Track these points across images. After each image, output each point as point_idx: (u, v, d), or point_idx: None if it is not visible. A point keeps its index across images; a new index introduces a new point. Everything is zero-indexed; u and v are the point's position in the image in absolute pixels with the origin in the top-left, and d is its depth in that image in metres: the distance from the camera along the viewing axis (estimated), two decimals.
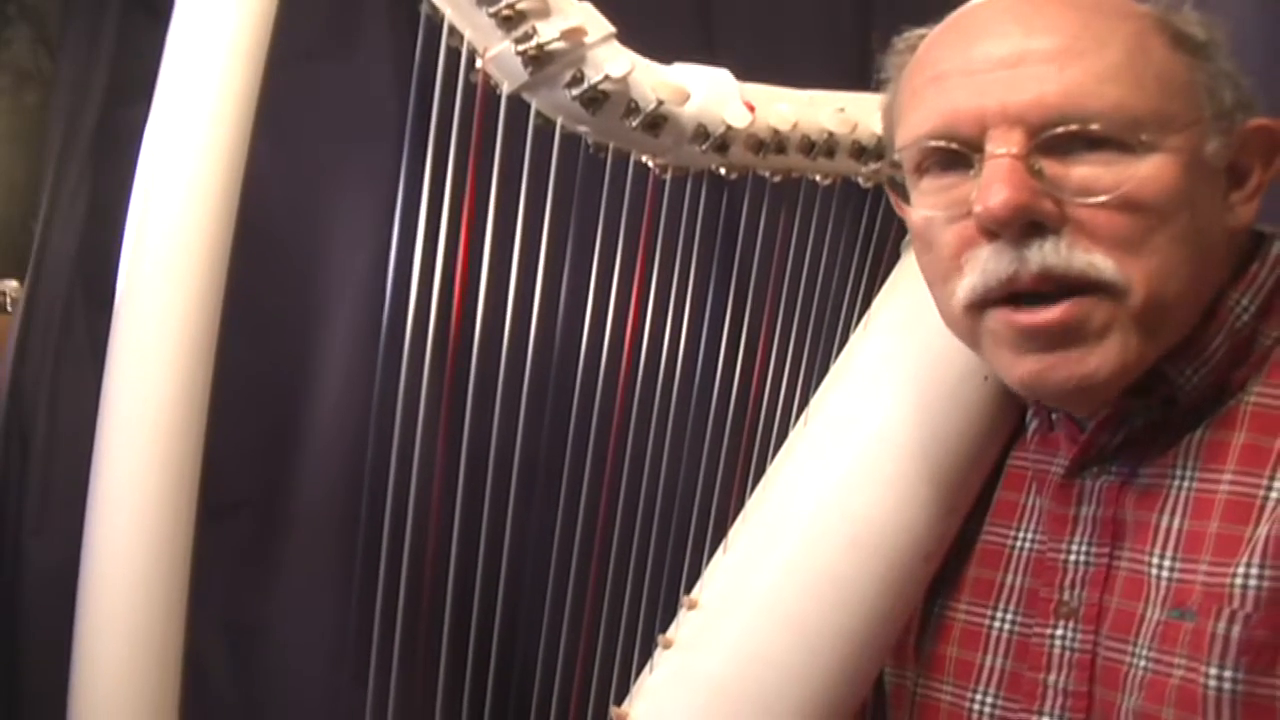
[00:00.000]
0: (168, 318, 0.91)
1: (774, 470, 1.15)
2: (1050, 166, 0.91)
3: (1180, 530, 0.95)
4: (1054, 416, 1.05)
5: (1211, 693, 0.90)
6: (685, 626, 1.10)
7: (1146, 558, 0.97)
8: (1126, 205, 0.91)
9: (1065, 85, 0.91)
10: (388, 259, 1.09)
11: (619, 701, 1.10)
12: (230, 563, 1.70)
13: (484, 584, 1.08)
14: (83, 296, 1.80)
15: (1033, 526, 1.06)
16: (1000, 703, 1.04)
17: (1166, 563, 0.95)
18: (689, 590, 1.12)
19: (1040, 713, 1.01)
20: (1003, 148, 0.91)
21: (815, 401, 1.15)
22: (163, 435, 0.91)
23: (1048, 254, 0.92)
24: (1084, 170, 0.91)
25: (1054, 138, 0.91)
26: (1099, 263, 0.92)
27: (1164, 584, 0.95)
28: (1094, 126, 0.91)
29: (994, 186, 0.91)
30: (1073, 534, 1.02)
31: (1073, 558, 1.01)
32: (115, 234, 1.73)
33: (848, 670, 1.07)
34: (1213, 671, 0.90)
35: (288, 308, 1.77)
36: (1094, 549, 1.00)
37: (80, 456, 1.73)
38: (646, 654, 1.10)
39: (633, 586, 1.11)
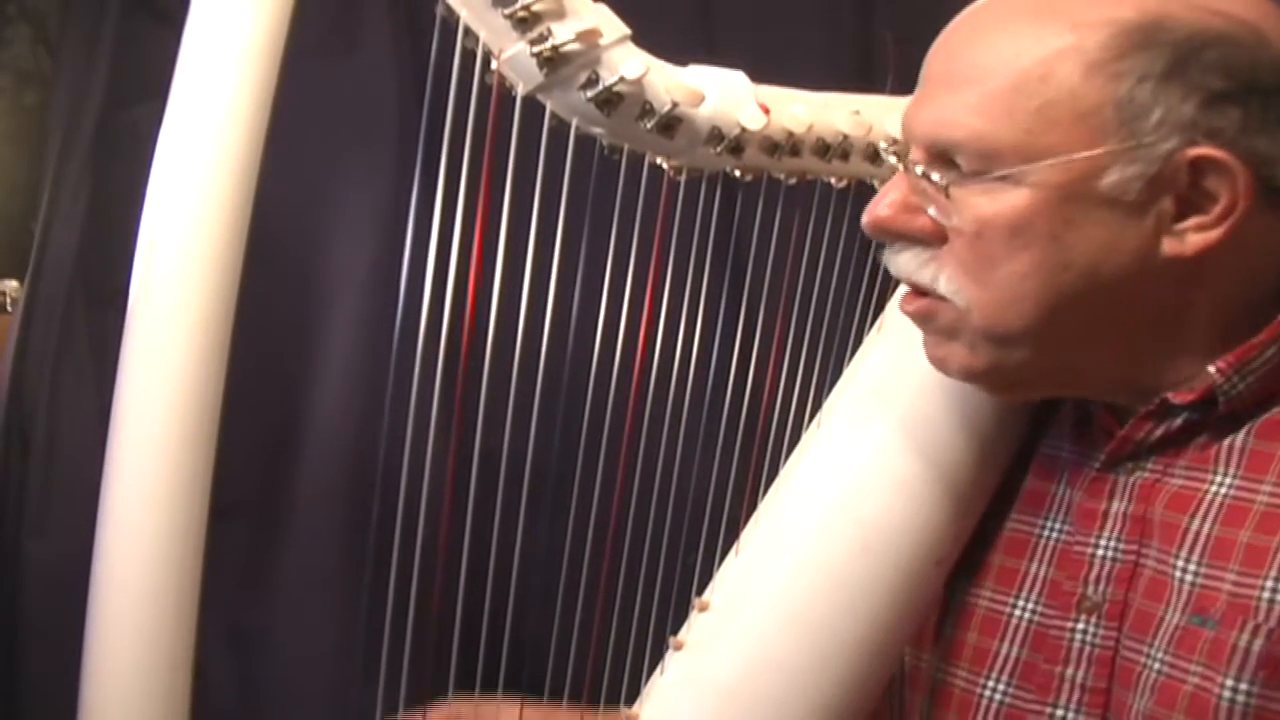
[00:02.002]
0: (181, 319, 0.90)
1: (786, 473, 1.14)
2: (951, 186, 0.95)
3: (1210, 535, 0.95)
4: (1092, 409, 1.04)
5: (1225, 704, 0.90)
6: (696, 628, 1.09)
7: (1172, 559, 0.96)
8: (973, 236, 0.95)
9: (937, 114, 0.96)
10: (393, 260, 1.08)
11: (630, 703, 1.09)
12: (230, 564, 1.70)
13: (494, 584, 1.08)
14: (83, 296, 1.80)
15: (1061, 517, 1.06)
16: (1012, 691, 1.04)
17: (1191, 566, 0.95)
18: (700, 592, 1.12)
19: (1054, 705, 1.00)
20: (915, 164, 0.97)
21: (828, 404, 1.15)
22: (175, 437, 0.91)
23: (903, 263, 1.00)
24: (964, 196, 0.95)
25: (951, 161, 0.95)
26: (942, 282, 0.97)
27: (1186, 588, 0.95)
28: (956, 157, 0.95)
29: (875, 200, 1.00)
30: (1101, 528, 1.01)
31: (1100, 552, 1.01)
32: (115, 234, 1.75)
33: (859, 674, 1.06)
34: (1228, 683, 0.90)
35: (290, 308, 1.77)
36: (1122, 545, 1.00)
37: (80, 456, 1.76)
38: (657, 656, 1.10)
39: (644, 588, 1.11)
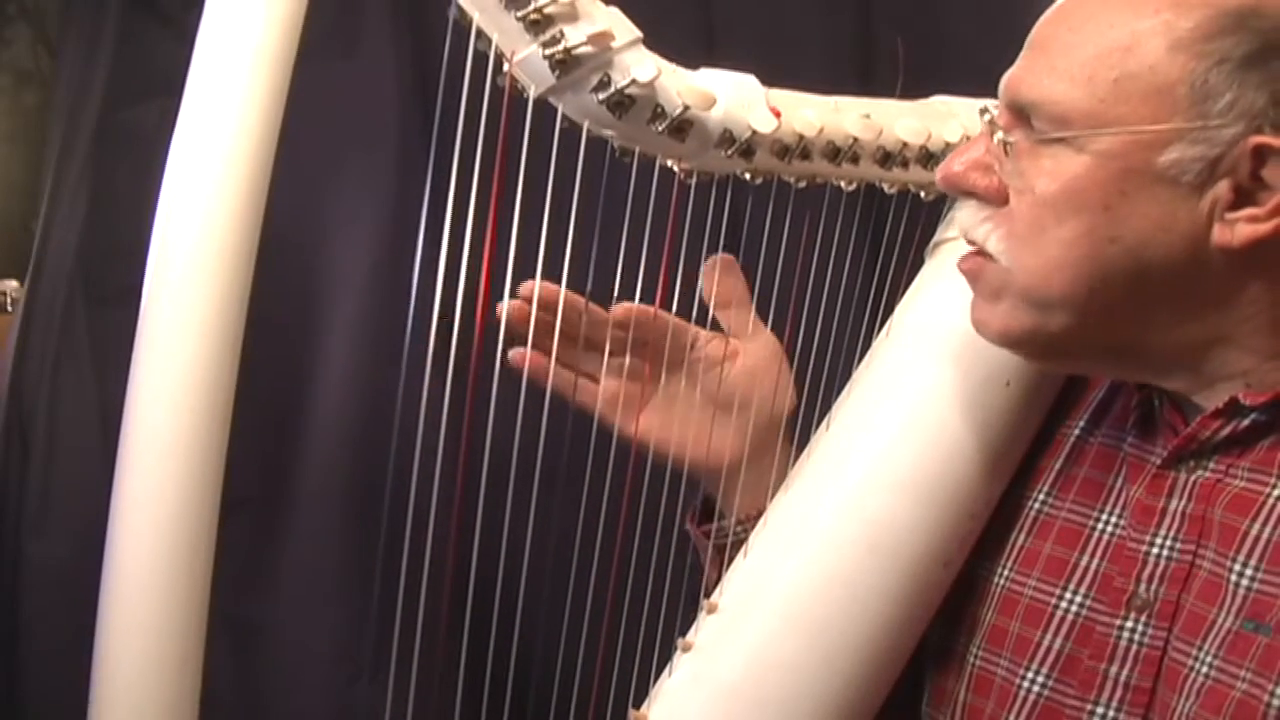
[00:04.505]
0: (194, 317, 0.90)
1: (794, 474, 1.14)
2: (1024, 146, 0.96)
3: (1270, 540, 0.94)
4: (1157, 403, 1.04)
5: (1274, 712, 0.89)
6: (704, 630, 1.09)
7: (1228, 562, 0.95)
8: (1031, 198, 0.96)
9: (1024, 74, 0.97)
10: (400, 259, 1.08)
11: (638, 704, 1.09)
12: (239, 559, 1.70)
13: (503, 585, 1.08)
14: (83, 296, 1.80)
15: (1117, 511, 1.05)
16: (1051, 684, 1.03)
17: (1249, 571, 0.94)
18: (709, 594, 1.12)
19: (1096, 703, 1.00)
20: (996, 122, 0.99)
21: (837, 406, 1.15)
22: (186, 433, 0.91)
23: (964, 216, 1.02)
24: (1031, 157, 0.96)
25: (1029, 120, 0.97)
26: (993, 240, 0.99)
27: (1242, 592, 0.94)
28: (1033, 118, 0.96)
29: (953, 154, 1.03)
30: (1158, 526, 1.01)
31: (1155, 550, 1.00)
32: (116, 234, 1.75)
33: (865, 675, 1.07)
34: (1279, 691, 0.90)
35: (297, 307, 1.77)
36: (1178, 545, 0.99)
37: (80, 456, 1.75)
38: (666, 657, 1.10)
39: (653, 589, 1.11)
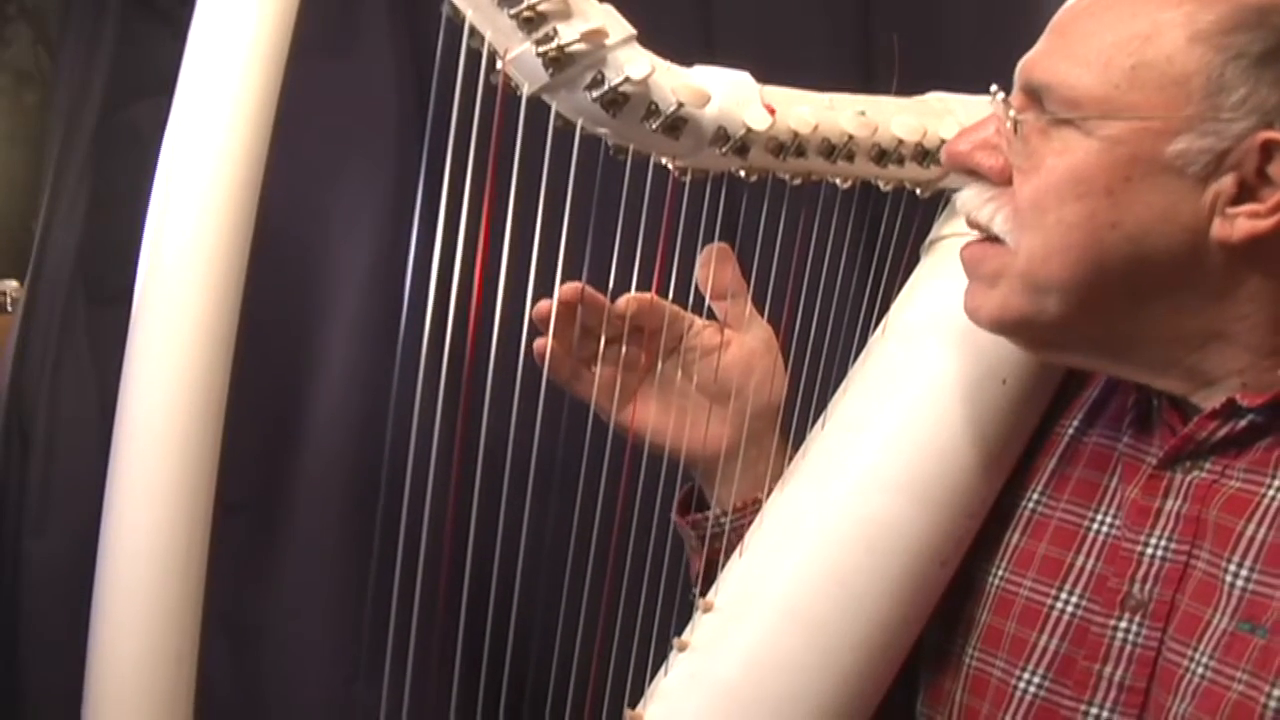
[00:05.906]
0: (187, 316, 0.90)
1: (790, 472, 1.14)
2: (1034, 127, 0.96)
3: (1265, 541, 0.94)
4: (1155, 403, 1.04)
5: (1271, 714, 0.89)
6: (700, 629, 1.09)
7: (1223, 563, 0.95)
8: (1036, 179, 0.96)
9: (1040, 57, 0.98)
10: (395, 258, 1.08)
11: (633, 704, 1.09)
12: (235, 559, 1.70)
13: (499, 584, 1.08)
14: (83, 296, 1.80)
15: (1112, 511, 1.04)
16: (1048, 684, 1.02)
17: (1244, 572, 0.94)
18: (698, 586, 1.12)
19: (1090, 703, 0.99)
20: (1010, 102, 0.99)
21: (832, 404, 1.15)
22: (180, 433, 0.91)
23: (967, 197, 1.01)
24: (1039, 139, 0.96)
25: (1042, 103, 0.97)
26: (998, 221, 0.99)
27: (1237, 593, 0.94)
28: (1045, 100, 0.96)
29: (960, 133, 1.04)
30: (1153, 527, 1.00)
31: (1149, 551, 1.00)
32: (116, 233, 1.75)
33: (862, 674, 1.07)
34: (1276, 693, 0.89)
35: (293, 306, 1.77)
36: (1173, 545, 0.99)
37: (80, 456, 1.75)
38: (662, 656, 1.10)
39: (648, 588, 1.11)
